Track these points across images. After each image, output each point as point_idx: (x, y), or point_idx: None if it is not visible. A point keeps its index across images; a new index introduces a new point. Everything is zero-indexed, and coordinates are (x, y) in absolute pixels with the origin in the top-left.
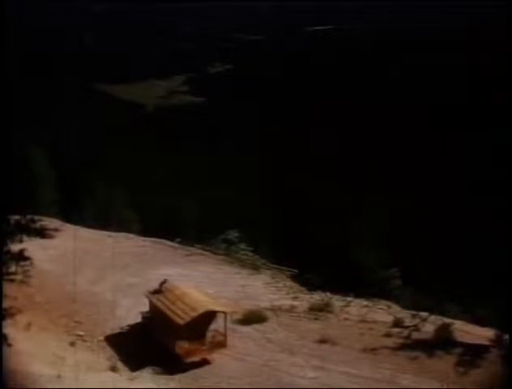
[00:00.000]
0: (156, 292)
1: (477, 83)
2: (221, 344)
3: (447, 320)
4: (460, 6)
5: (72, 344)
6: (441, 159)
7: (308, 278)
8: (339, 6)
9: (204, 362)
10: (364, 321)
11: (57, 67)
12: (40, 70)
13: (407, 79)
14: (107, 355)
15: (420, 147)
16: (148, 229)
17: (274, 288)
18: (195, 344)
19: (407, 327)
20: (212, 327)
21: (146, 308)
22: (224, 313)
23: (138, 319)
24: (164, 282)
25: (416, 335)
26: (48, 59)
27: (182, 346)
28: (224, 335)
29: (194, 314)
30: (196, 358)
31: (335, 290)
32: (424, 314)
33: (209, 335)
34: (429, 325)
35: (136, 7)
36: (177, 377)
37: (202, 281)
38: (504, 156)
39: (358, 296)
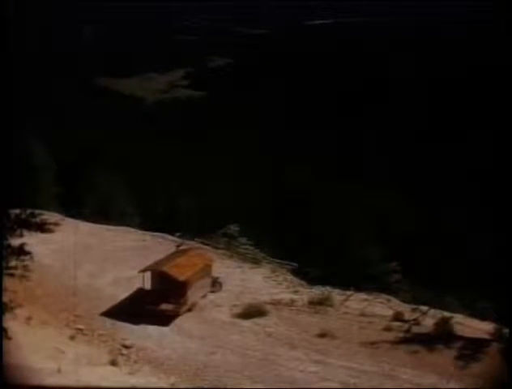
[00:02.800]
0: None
1: (476, 83)
2: (175, 311)
3: (447, 314)
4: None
5: (72, 337)
6: (440, 154)
7: (308, 272)
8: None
9: (161, 318)
10: (363, 315)
11: (57, 62)
12: (39, 64)
13: (406, 78)
14: (107, 349)
15: (419, 143)
16: (148, 223)
17: (274, 282)
18: (159, 297)
19: (406, 321)
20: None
21: None
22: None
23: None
24: (180, 245)
25: (415, 329)
26: (48, 54)
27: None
28: (179, 302)
29: (153, 268)
30: (152, 308)
31: (335, 284)
32: (424, 307)
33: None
34: (429, 319)
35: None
36: (177, 371)
37: None
38: (505, 149)
39: (358, 290)
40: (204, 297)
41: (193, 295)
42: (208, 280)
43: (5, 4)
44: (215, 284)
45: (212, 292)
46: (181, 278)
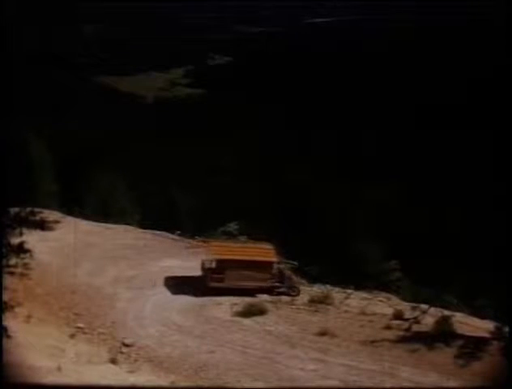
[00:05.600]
0: None
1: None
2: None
3: (447, 312)
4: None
5: (72, 336)
6: (439, 151)
7: (308, 270)
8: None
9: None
10: (364, 313)
11: (57, 58)
12: (39, 60)
13: (407, 77)
14: (107, 347)
15: (419, 140)
16: (148, 222)
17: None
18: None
19: (407, 320)
20: None
21: (146, 301)
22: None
23: (139, 312)
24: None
25: (415, 328)
26: (48, 50)
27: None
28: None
29: (206, 241)
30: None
31: (335, 282)
32: (424, 306)
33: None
34: (429, 317)
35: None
36: (177, 369)
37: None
38: (503, 146)
39: (358, 288)
40: (272, 293)
41: (234, 279)
42: (264, 276)
43: (5, 4)
44: (294, 289)
45: (289, 295)
46: (213, 255)
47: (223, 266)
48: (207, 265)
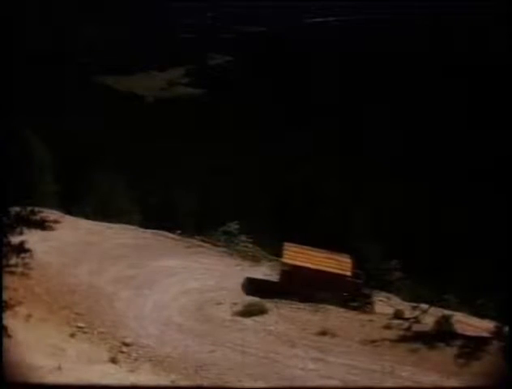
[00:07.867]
0: None
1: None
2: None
3: (447, 312)
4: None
5: (72, 335)
6: (441, 149)
7: None
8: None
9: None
10: (364, 313)
11: (58, 58)
12: (41, 60)
13: (407, 72)
14: (107, 346)
15: (420, 138)
16: (149, 221)
17: (274, 280)
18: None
19: (407, 319)
20: None
21: (146, 301)
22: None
23: (139, 312)
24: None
25: (416, 327)
26: (49, 50)
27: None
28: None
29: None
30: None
31: None
32: (424, 306)
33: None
34: (430, 317)
35: None
36: (178, 369)
37: (203, 273)
38: (505, 144)
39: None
40: (343, 306)
41: (305, 286)
42: (338, 288)
43: (5, 4)
44: (367, 306)
45: (363, 312)
46: (288, 260)
47: (297, 272)
48: (283, 268)
